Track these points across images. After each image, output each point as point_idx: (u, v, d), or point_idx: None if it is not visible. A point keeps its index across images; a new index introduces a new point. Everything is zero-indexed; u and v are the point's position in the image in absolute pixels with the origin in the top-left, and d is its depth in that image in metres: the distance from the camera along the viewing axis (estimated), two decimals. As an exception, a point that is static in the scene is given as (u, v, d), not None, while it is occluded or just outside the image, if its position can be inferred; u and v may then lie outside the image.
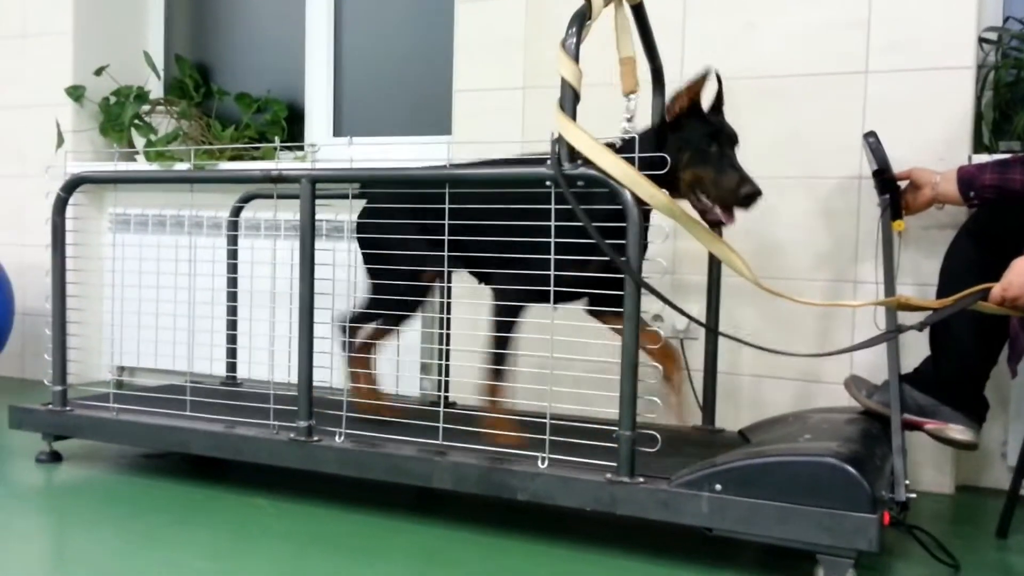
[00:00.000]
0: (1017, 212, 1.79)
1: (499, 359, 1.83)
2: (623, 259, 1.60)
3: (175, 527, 1.79)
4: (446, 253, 1.86)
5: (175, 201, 3.06)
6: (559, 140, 1.67)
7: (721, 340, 2.14)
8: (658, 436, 1.68)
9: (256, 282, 2.64)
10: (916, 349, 1.98)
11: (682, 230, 1.66)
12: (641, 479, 1.61)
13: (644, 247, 1.66)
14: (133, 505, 1.92)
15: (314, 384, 1.93)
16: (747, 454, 1.59)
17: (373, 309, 2.02)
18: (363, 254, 2.06)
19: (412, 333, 2.45)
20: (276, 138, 3.11)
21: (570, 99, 1.65)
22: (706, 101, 1.81)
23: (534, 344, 1.80)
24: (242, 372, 2.57)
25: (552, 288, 1.72)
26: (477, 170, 1.89)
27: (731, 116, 1.81)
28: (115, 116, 3.28)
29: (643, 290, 1.62)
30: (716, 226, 1.77)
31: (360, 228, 2.08)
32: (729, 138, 1.77)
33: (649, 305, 1.64)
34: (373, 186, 2.09)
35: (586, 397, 1.80)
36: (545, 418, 1.70)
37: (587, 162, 1.64)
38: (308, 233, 1.90)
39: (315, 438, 1.91)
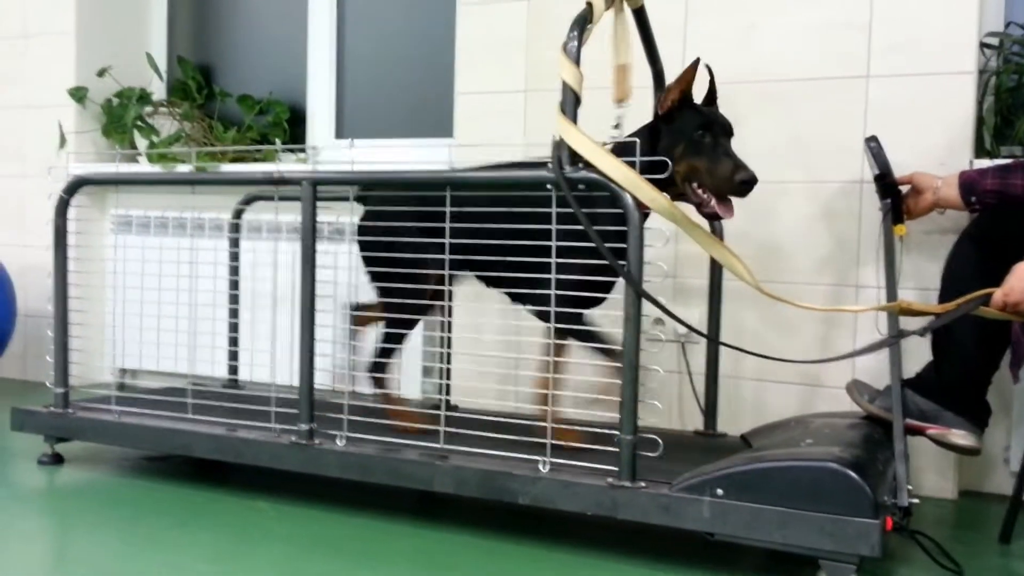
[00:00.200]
0: (1019, 217, 1.78)
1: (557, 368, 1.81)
2: (622, 264, 1.60)
3: (176, 530, 1.79)
4: (446, 255, 1.85)
5: (177, 203, 3.06)
6: (560, 143, 1.67)
7: (723, 343, 2.14)
8: (660, 440, 1.68)
9: (258, 284, 2.65)
10: (918, 354, 1.98)
11: (683, 233, 1.66)
12: (642, 483, 1.61)
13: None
14: (135, 507, 1.92)
15: (315, 387, 1.93)
16: (749, 459, 1.59)
17: (393, 344, 2.01)
18: (363, 258, 2.05)
19: (414, 335, 2.44)
20: (278, 140, 3.11)
21: (571, 102, 1.65)
22: (704, 102, 1.81)
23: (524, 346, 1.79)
24: (244, 375, 2.58)
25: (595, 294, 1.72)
26: (477, 173, 1.89)
27: (733, 119, 1.80)
28: (117, 117, 3.28)
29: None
30: (714, 220, 1.76)
31: (361, 232, 2.07)
32: (723, 127, 1.75)
33: (649, 309, 1.63)
34: (374, 190, 2.09)
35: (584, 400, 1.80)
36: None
37: (588, 165, 1.64)
38: (309, 235, 1.90)
39: (316, 441, 1.91)
